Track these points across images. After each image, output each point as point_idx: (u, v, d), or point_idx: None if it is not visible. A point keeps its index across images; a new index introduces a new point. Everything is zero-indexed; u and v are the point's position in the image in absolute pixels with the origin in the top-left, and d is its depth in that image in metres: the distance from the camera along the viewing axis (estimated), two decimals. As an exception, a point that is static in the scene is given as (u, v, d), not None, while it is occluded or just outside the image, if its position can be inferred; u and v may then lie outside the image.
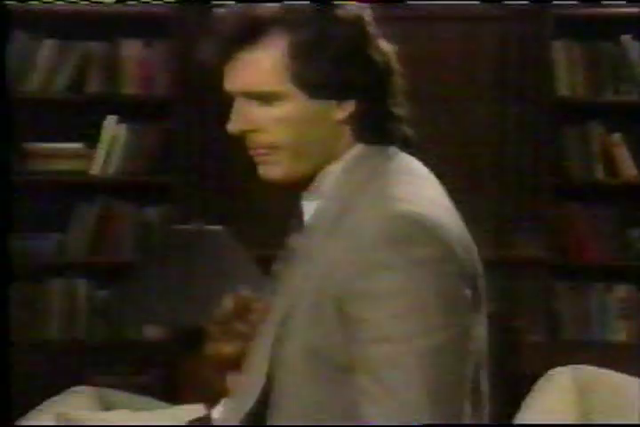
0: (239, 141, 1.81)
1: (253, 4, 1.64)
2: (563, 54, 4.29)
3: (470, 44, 4.38)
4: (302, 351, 1.64)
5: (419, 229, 1.58)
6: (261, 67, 1.62)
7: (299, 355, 1.65)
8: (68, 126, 4.22)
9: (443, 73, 4.37)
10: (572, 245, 4.32)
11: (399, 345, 1.56)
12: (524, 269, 4.29)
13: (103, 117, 4.29)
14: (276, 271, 1.78)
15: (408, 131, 1.71)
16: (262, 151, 1.67)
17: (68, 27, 4.36)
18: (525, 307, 4.25)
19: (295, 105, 1.64)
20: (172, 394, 3.45)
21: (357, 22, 1.63)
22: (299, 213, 1.74)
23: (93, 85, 4.32)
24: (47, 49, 4.33)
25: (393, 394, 1.57)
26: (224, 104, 4.41)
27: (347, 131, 1.68)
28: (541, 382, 3.20)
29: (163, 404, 3.12)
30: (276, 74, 1.63)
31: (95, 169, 4.22)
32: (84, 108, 4.26)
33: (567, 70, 4.30)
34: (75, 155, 4.24)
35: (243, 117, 1.66)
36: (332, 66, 1.63)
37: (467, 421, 1.60)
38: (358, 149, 1.68)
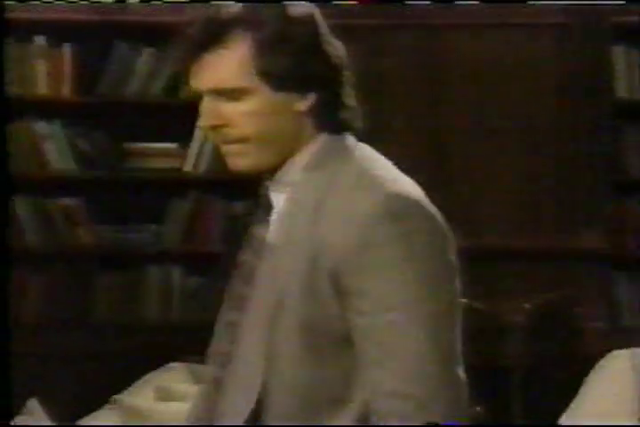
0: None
1: (219, 6, 1.68)
2: (621, 58, 4.39)
3: (530, 50, 4.46)
4: (300, 329, 1.65)
5: (412, 206, 1.64)
6: (229, 65, 1.66)
7: (297, 332, 1.65)
8: (164, 128, 4.29)
9: (503, 77, 4.46)
10: (630, 237, 4.42)
11: (402, 313, 1.60)
12: (584, 259, 4.39)
13: (195, 120, 4.41)
14: (246, 261, 1.77)
15: (359, 120, 1.74)
16: (232, 144, 1.69)
17: (164, 37, 4.09)
18: (586, 295, 4.36)
19: (261, 99, 1.67)
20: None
21: (311, 20, 1.68)
22: (265, 205, 1.74)
23: (187, 90, 4.43)
24: (146, 57, 4.40)
25: (397, 358, 1.61)
26: None
27: (309, 122, 1.71)
28: (601, 364, 3.29)
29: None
30: (242, 71, 1.65)
31: (188, 167, 4.31)
32: (179, 111, 4.17)
33: (625, 74, 4.40)
34: (170, 154, 4.32)
35: (212, 113, 1.68)
36: (294, 61, 1.66)
37: (463, 384, 1.65)
38: (321, 138, 1.71)
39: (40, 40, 4.29)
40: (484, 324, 4.22)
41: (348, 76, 1.72)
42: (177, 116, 4.20)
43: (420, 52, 4.49)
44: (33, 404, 3.20)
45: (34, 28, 4.24)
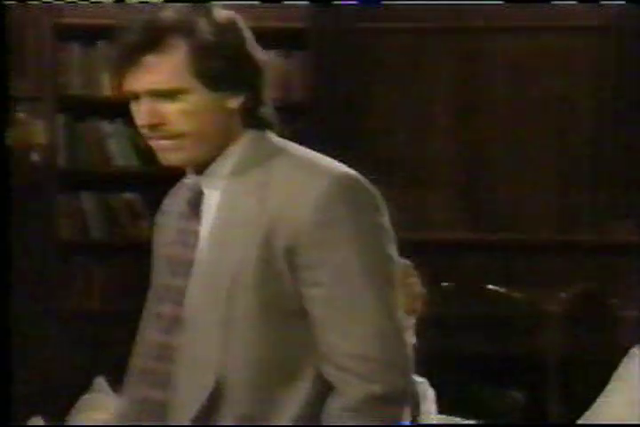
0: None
1: (154, 10, 1.75)
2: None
3: (570, 51, 4.53)
4: (258, 305, 1.71)
5: (358, 184, 1.74)
6: (166, 68, 1.72)
7: (255, 309, 1.71)
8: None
9: (545, 78, 4.54)
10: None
11: (358, 282, 1.70)
12: (619, 251, 4.44)
13: None
14: (174, 255, 1.81)
15: (276, 119, 1.80)
16: (168, 140, 1.74)
17: None
18: (620, 285, 4.42)
19: (197, 98, 1.74)
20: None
21: (237, 26, 1.77)
22: (193, 198, 1.79)
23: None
24: None
25: (355, 324, 1.69)
26: (354, 111, 4.83)
27: (238, 119, 1.77)
28: (633, 351, 3.26)
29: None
30: (179, 73, 1.72)
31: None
32: None
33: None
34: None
35: (151, 113, 1.73)
36: (225, 63, 1.73)
37: (409, 345, 1.74)
38: (250, 134, 1.78)
39: (103, 45, 4.42)
40: (523, 313, 4.34)
41: (268, 78, 1.80)
42: None
43: (461, 53, 4.60)
44: (100, 381, 3.33)
45: (97, 33, 4.35)
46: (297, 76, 4.53)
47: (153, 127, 1.74)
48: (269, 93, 1.80)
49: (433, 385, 2.74)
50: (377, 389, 1.70)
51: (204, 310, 1.74)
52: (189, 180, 1.82)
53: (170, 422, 1.77)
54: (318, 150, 5.09)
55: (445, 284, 4.26)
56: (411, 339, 2.50)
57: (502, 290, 4.39)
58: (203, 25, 1.74)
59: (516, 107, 4.60)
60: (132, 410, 1.83)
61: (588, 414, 3.14)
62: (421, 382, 2.68)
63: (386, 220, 1.74)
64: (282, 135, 1.82)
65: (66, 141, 4.46)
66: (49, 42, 4.38)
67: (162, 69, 1.73)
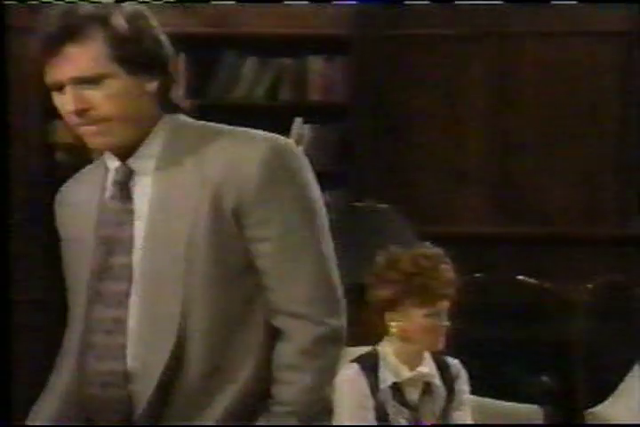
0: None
1: (70, 3, 1.80)
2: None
3: (598, 56, 4.56)
4: (213, 263, 1.76)
5: (293, 149, 1.81)
6: (88, 56, 1.77)
7: (211, 267, 1.76)
8: (264, 127, 4.36)
9: (573, 80, 4.58)
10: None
11: (300, 236, 1.78)
12: None
13: (292, 119, 4.47)
14: (114, 234, 1.82)
15: (185, 101, 1.86)
16: (94, 125, 1.77)
17: (266, 46, 4.53)
18: None
19: (119, 83, 1.78)
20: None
21: (147, 16, 1.83)
22: (120, 178, 1.81)
23: (285, 94, 4.57)
24: (250, 64, 4.55)
25: (297, 280, 1.77)
26: (393, 111, 4.84)
27: (155, 103, 1.82)
28: None
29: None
30: (100, 59, 1.77)
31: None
32: (278, 111, 4.48)
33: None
34: (270, 149, 4.57)
35: (76, 99, 1.76)
36: (140, 49, 1.79)
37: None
38: (169, 117, 1.83)
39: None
40: (552, 302, 4.37)
41: (175, 63, 1.85)
42: (276, 116, 4.36)
43: (492, 58, 4.66)
44: None
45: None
46: (339, 79, 4.57)
47: (80, 113, 1.77)
48: (177, 79, 1.84)
49: (467, 368, 2.77)
50: (323, 330, 1.77)
51: (162, 275, 1.77)
52: (111, 164, 1.84)
53: (135, 391, 1.78)
54: (358, 148, 5.06)
55: (478, 275, 4.28)
56: (444, 322, 2.59)
57: (532, 281, 4.41)
58: (116, 15, 1.79)
59: (545, 107, 4.65)
60: (84, 384, 1.83)
61: (611, 398, 3.25)
62: (455, 363, 2.72)
63: (313, 177, 1.81)
64: (193, 116, 1.86)
65: None
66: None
67: (83, 57, 1.76)
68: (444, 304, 2.60)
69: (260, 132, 1.83)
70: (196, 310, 1.77)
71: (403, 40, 4.65)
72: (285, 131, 4.45)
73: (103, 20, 1.79)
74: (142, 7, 1.84)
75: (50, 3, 4.20)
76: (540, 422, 3.07)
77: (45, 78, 1.79)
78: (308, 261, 1.79)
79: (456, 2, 4.48)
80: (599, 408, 3.15)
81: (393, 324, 2.57)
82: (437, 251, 2.65)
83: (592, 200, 4.66)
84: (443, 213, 4.69)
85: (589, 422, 3.13)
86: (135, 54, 1.80)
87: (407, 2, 4.47)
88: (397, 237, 3.52)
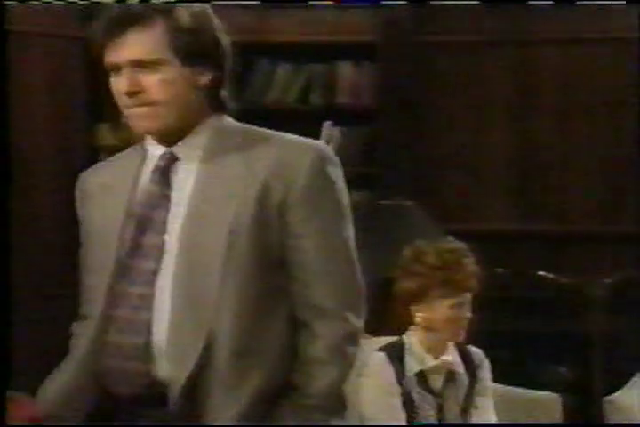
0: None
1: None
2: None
3: (614, 62, 4.57)
4: (252, 253, 1.79)
5: (335, 157, 1.87)
6: (147, 41, 1.82)
7: (249, 257, 1.78)
8: (296, 129, 4.18)
9: (592, 83, 4.59)
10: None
11: (339, 234, 1.83)
12: None
13: (322, 122, 4.44)
14: (147, 215, 1.84)
15: (232, 104, 1.91)
16: (143, 107, 1.82)
17: (297, 53, 4.59)
18: None
19: (172, 70, 1.82)
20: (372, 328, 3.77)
21: (209, 15, 1.88)
22: (165, 168, 1.84)
23: (315, 98, 4.64)
24: (282, 70, 4.63)
25: (337, 268, 1.81)
26: (418, 113, 4.84)
27: (205, 98, 1.86)
28: None
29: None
30: (158, 46, 1.82)
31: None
32: (309, 115, 4.52)
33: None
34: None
35: (131, 81, 1.81)
36: (197, 42, 1.83)
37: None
38: (216, 116, 1.87)
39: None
40: (571, 297, 4.37)
41: (230, 64, 1.89)
42: (307, 119, 4.38)
43: (514, 62, 4.67)
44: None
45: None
46: (367, 83, 4.61)
47: (132, 95, 1.82)
48: (229, 79, 1.88)
49: (489, 359, 2.78)
50: (350, 328, 1.83)
51: (199, 258, 1.79)
52: (153, 150, 1.87)
53: (159, 367, 1.78)
54: (385, 149, 5.04)
55: (500, 270, 4.29)
56: (467, 313, 2.61)
57: (551, 276, 4.43)
58: (180, 10, 1.85)
59: (566, 110, 4.66)
60: (104, 355, 1.83)
61: (626, 387, 3.21)
62: (477, 352, 2.72)
63: (344, 184, 1.88)
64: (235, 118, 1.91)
65: None
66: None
67: (142, 42, 1.81)
68: (467, 296, 2.62)
69: (308, 139, 1.88)
70: (229, 297, 1.79)
71: (428, 46, 4.66)
72: (315, 133, 4.41)
73: (167, 12, 1.84)
74: (207, 7, 1.89)
75: (50, 3, 4.16)
76: (559, 409, 3.08)
77: (104, 60, 1.84)
78: (342, 260, 1.84)
79: (478, 6, 4.49)
80: (616, 396, 3.14)
81: (418, 314, 2.60)
82: (461, 245, 2.67)
83: (610, 198, 4.66)
84: (466, 211, 4.70)
85: (606, 410, 3.10)
86: (191, 47, 1.83)
87: (433, 2, 4.45)
88: (423, 232, 3.52)
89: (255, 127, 1.91)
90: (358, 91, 4.62)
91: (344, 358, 1.83)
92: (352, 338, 1.84)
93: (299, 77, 4.63)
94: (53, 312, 4.25)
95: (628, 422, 3.04)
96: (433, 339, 2.63)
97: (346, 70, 4.63)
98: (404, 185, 4.50)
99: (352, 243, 1.86)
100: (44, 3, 4.17)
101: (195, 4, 1.87)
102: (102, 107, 4.48)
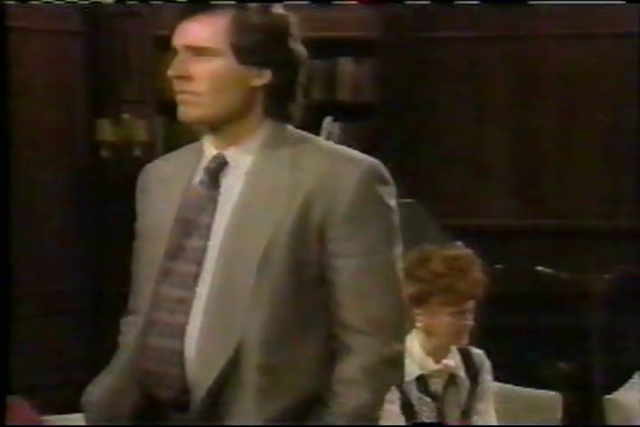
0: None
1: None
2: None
3: (615, 57, 4.54)
4: (286, 268, 1.72)
5: (386, 174, 1.79)
6: (207, 29, 1.75)
7: (283, 271, 1.72)
8: (296, 124, 4.52)
9: (594, 79, 4.55)
10: None
11: (384, 256, 1.75)
12: None
13: (322, 118, 4.49)
14: (186, 218, 1.77)
15: (298, 115, 1.81)
16: (188, 94, 1.75)
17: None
18: None
19: (225, 64, 1.75)
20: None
21: (285, 20, 1.80)
22: (215, 170, 1.77)
23: (316, 93, 4.54)
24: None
25: (379, 290, 1.74)
26: (418, 109, 4.83)
27: (259, 102, 1.77)
28: None
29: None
30: (217, 35, 1.75)
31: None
32: (309, 110, 4.52)
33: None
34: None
35: (181, 66, 1.76)
36: (260, 42, 1.75)
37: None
38: (269, 124, 1.78)
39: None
40: (570, 292, 4.33)
41: (303, 74, 1.80)
42: (307, 114, 4.21)
43: (515, 59, 4.64)
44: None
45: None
46: (368, 79, 4.59)
47: (179, 79, 1.76)
48: (300, 89, 1.79)
49: (489, 355, 2.72)
50: (388, 351, 1.75)
51: (236, 266, 1.74)
52: (207, 151, 1.80)
53: (193, 374, 1.73)
54: (385, 145, 5.07)
55: (499, 266, 4.22)
56: (469, 321, 2.54)
57: (551, 271, 4.39)
58: (255, 7, 1.78)
59: (567, 105, 4.63)
60: (144, 358, 1.79)
61: (627, 385, 3.16)
62: (479, 354, 2.66)
63: (396, 204, 1.80)
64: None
65: (164, 140, 4.55)
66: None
67: (203, 29, 1.75)
68: (470, 304, 2.55)
69: (359, 153, 1.80)
70: (260, 310, 1.72)
71: (429, 42, 4.65)
72: (316, 128, 4.44)
73: (242, 7, 1.77)
74: (290, 14, 1.81)
75: (50, 3, 4.15)
76: (560, 408, 3.02)
77: (172, 43, 1.78)
78: (385, 282, 1.76)
79: (481, 4, 4.47)
80: (616, 395, 3.10)
81: (419, 319, 2.53)
82: (468, 252, 2.60)
83: (610, 193, 4.64)
84: (466, 207, 4.69)
85: (607, 409, 3.04)
86: (253, 46, 1.75)
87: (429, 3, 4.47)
88: (422, 229, 3.49)
89: (314, 137, 1.83)
90: (359, 87, 4.61)
91: (378, 381, 1.76)
92: (389, 361, 1.76)
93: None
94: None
95: (628, 421, 2.98)
96: (434, 343, 2.56)
97: (346, 66, 4.61)
98: (403, 181, 4.44)
99: (398, 265, 1.78)
100: (44, 3, 4.16)
101: (277, 8, 1.80)
102: (103, 102, 4.48)
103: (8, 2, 3.64)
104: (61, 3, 4.19)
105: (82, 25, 4.39)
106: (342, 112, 4.53)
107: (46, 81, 4.40)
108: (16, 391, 2.42)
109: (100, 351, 3.00)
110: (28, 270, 4.23)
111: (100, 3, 4.28)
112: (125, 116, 4.46)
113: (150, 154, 4.47)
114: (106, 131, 4.46)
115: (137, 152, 4.43)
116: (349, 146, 4.96)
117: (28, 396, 2.40)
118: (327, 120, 4.51)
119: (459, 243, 2.66)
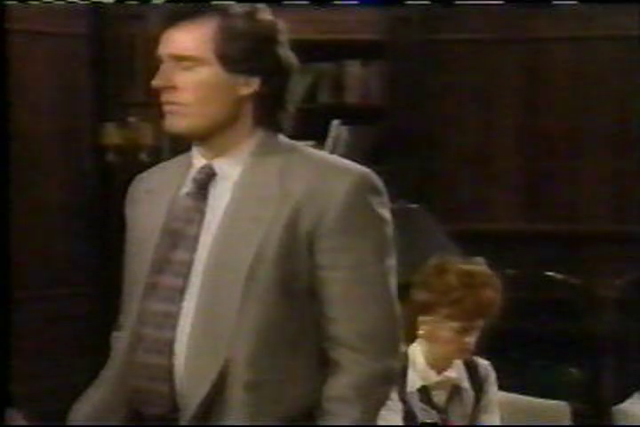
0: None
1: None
2: None
3: (621, 60, 4.51)
4: (274, 281, 1.67)
5: (377, 183, 1.73)
6: (192, 37, 1.70)
7: (271, 284, 1.67)
8: (303, 128, 4.46)
9: (600, 83, 4.53)
10: None
11: (375, 268, 1.69)
12: None
13: (330, 121, 4.50)
14: (177, 229, 1.73)
15: (289, 124, 1.77)
16: (174, 105, 1.70)
17: (305, 51, 4.63)
18: None
19: (211, 73, 1.70)
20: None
21: (272, 25, 1.74)
22: (203, 181, 1.73)
23: (324, 96, 4.59)
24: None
25: (370, 304, 1.69)
26: (426, 113, 4.84)
27: (248, 111, 1.72)
28: None
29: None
30: (202, 44, 1.70)
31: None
32: (317, 113, 4.41)
33: None
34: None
35: (166, 76, 1.71)
36: (246, 50, 1.70)
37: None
38: (260, 133, 1.73)
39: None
40: (580, 297, 4.34)
41: (293, 81, 1.75)
42: (315, 118, 4.26)
43: (523, 61, 4.61)
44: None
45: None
46: (375, 82, 4.57)
47: (164, 90, 1.71)
48: (291, 98, 1.74)
49: (497, 362, 2.67)
50: (380, 368, 1.69)
51: (223, 279, 1.69)
52: (196, 162, 1.76)
53: (177, 389, 1.70)
54: (394, 148, 5.08)
55: (508, 270, 4.24)
56: (471, 339, 2.48)
57: (561, 276, 4.38)
58: (240, 13, 1.72)
59: (575, 107, 4.60)
60: (132, 375, 1.75)
61: (637, 394, 3.10)
62: (484, 364, 2.62)
63: (389, 214, 1.73)
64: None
65: (170, 143, 4.48)
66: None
67: (187, 38, 1.70)
68: (477, 323, 2.50)
69: (351, 163, 1.74)
70: (247, 325, 1.68)
71: (437, 44, 4.63)
72: (323, 132, 4.49)
73: (225, 12, 1.72)
74: (278, 21, 1.76)
75: (50, 3, 4.12)
76: (568, 417, 2.97)
77: (157, 52, 1.74)
78: (375, 296, 1.71)
79: (488, 6, 4.45)
80: (626, 404, 3.05)
81: (423, 327, 2.49)
82: (485, 270, 2.53)
83: (620, 198, 4.60)
84: (476, 211, 4.67)
85: (616, 419, 2.98)
86: (239, 53, 1.71)
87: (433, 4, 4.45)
88: (427, 235, 3.46)
89: (305, 147, 1.78)
90: (367, 90, 4.60)
91: (370, 399, 1.71)
92: (381, 378, 1.71)
93: (307, 76, 4.55)
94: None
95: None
96: (437, 353, 2.51)
97: (354, 69, 4.60)
98: (412, 185, 4.46)
99: (391, 277, 1.72)
100: (44, 3, 4.12)
101: (265, 14, 1.74)
102: (108, 106, 4.46)
103: (8, 2, 3.65)
104: (62, 3, 4.16)
105: (87, 27, 4.40)
106: (350, 115, 4.52)
107: (51, 84, 4.38)
108: (15, 397, 2.37)
109: (102, 358, 3.04)
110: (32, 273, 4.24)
111: (100, 2, 4.26)
112: (131, 119, 4.44)
113: (156, 158, 4.47)
114: (111, 134, 4.45)
115: (143, 156, 4.41)
116: (358, 149, 5.04)
117: (28, 401, 2.35)
118: (335, 123, 4.50)
119: (479, 258, 2.56)
